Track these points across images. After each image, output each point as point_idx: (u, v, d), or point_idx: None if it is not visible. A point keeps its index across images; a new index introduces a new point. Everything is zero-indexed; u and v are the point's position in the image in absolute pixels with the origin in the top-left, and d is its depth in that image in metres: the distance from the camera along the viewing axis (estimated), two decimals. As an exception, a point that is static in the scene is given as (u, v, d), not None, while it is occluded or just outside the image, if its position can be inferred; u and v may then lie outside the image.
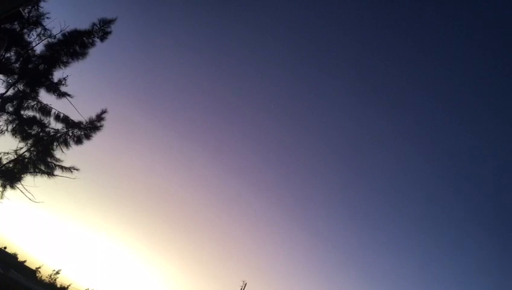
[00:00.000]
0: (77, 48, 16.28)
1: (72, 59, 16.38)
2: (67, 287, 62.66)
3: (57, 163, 17.18)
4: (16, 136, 16.61)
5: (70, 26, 16.14)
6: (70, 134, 17.10)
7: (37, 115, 16.75)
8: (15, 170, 16.63)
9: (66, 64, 16.39)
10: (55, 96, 16.73)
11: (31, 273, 53.69)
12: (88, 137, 17.30)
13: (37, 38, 16.08)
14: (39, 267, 61.47)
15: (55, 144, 16.98)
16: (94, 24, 16.32)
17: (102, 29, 16.46)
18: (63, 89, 16.73)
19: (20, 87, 16.28)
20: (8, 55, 15.74)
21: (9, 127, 16.53)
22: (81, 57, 16.46)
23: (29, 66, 16.22)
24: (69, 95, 16.81)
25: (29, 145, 16.84)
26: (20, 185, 16.55)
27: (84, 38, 16.30)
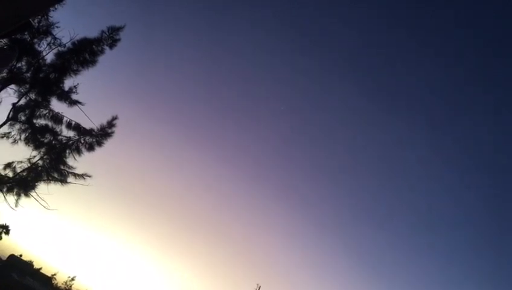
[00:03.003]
0: (87, 56, 16.38)
1: (82, 67, 16.47)
2: (83, 293, 63.08)
3: (70, 170, 17.31)
4: (29, 145, 16.80)
5: (79, 34, 16.28)
6: (82, 141, 17.22)
7: (49, 124, 16.91)
8: (29, 178, 16.80)
9: (76, 72, 16.49)
10: (67, 105, 16.86)
11: (47, 280, 54.16)
12: (100, 144, 17.40)
13: (47, 47, 16.23)
14: (54, 274, 62.01)
15: (67, 151, 17.12)
16: (103, 32, 16.43)
17: (111, 37, 16.56)
18: (74, 97, 16.86)
19: (32, 96, 16.46)
20: (20, 65, 15.91)
21: (22, 136, 16.73)
22: (91, 65, 16.56)
23: (40, 75, 16.37)
24: (80, 103, 16.93)
25: (42, 153, 17.01)
26: (34, 193, 16.72)
27: (94, 46, 16.39)
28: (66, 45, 16.23)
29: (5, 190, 16.47)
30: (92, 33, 16.47)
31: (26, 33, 15.11)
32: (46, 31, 15.99)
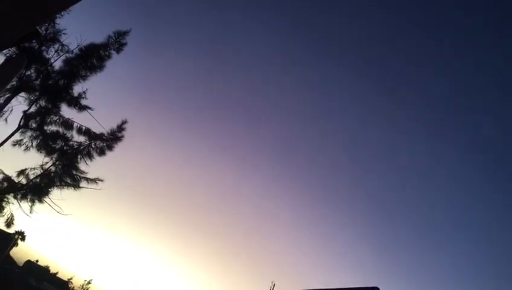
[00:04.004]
0: (94, 61, 16.50)
1: (91, 72, 16.60)
2: (99, 296, 63.61)
3: (82, 175, 17.44)
4: (41, 152, 16.94)
5: (86, 40, 16.40)
6: (93, 146, 17.35)
7: (60, 130, 17.06)
8: (42, 185, 16.93)
9: (84, 78, 16.62)
10: (76, 110, 16.99)
11: (63, 285, 54.71)
12: (111, 148, 17.52)
13: (55, 54, 16.34)
14: (71, 278, 62.62)
15: (79, 156, 17.25)
16: (110, 37, 16.53)
17: (117, 41, 16.65)
18: (83, 102, 16.98)
19: (42, 103, 16.59)
20: (29, 73, 16.04)
21: (34, 143, 16.88)
22: (99, 70, 16.68)
23: (50, 82, 16.50)
24: (89, 108, 17.05)
25: (54, 159, 17.14)
26: (48, 199, 16.86)
27: (101, 51, 16.51)
28: (74, 51, 16.37)
29: (19, 196, 16.64)
30: (99, 38, 16.61)
31: (34, 41, 15.21)
32: (54, 38, 16.09)
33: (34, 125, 16.72)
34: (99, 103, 17.65)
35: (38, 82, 16.36)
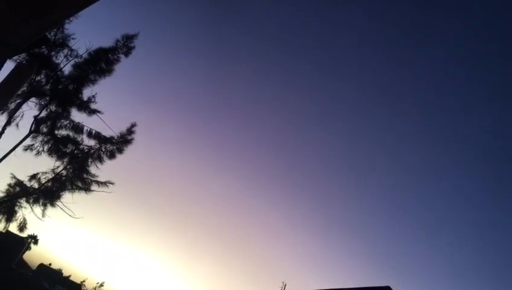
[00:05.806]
0: (103, 65, 16.57)
1: (100, 76, 16.69)
2: (112, 299, 63.74)
3: (93, 178, 17.57)
4: (52, 156, 17.07)
5: (95, 44, 16.48)
6: (104, 149, 17.46)
7: (71, 134, 17.18)
8: (54, 189, 17.07)
9: (93, 82, 16.72)
10: (86, 114, 17.12)
11: (76, 287, 54.99)
12: (120, 151, 17.59)
13: (65, 59, 16.45)
14: (84, 281, 62.94)
15: (89, 160, 17.36)
16: (118, 40, 16.60)
17: (125, 45, 16.71)
18: (93, 106, 17.12)
19: (52, 108, 16.73)
20: (39, 78, 16.17)
21: (45, 148, 17.02)
22: (107, 74, 16.75)
23: (59, 87, 16.62)
24: (99, 112, 17.17)
25: (65, 163, 17.27)
26: (60, 203, 16.99)
27: (109, 55, 16.58)
28: (83, 55, 16.47)
29: (31, 201, 16.78)
30: (107, 42, 16.70)
31: (43, 47, 15.32)
32: (63, 43, 16.18)
33: (44, 130, 16.86)
34: (108, 106, 17.71)
35: (48, 87, 16.49)
